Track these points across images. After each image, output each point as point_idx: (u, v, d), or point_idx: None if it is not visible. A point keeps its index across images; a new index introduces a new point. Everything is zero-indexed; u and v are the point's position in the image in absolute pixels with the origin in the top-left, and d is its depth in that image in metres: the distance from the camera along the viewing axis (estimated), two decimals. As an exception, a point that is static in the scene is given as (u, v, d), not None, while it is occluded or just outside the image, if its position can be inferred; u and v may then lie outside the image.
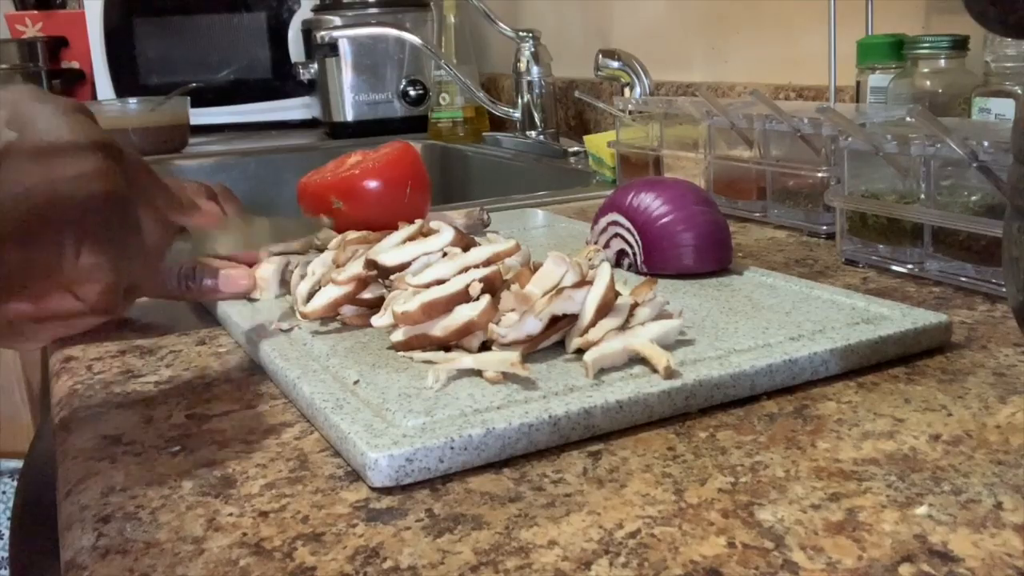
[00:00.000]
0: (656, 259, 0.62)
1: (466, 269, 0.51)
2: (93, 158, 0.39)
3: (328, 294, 0.54)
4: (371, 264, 0.54)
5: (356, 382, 0.45)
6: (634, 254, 0.63)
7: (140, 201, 0.42)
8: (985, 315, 0.56)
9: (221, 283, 0.60)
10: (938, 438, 0.40)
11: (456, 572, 0.31)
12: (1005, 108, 0.70)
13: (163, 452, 0.42)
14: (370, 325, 0.51)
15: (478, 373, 0.45)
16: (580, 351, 0.47)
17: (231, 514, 0.36)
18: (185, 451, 0.42)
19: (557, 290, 0.48)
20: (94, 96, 1.90)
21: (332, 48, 1.71)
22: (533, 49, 1.45)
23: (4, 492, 1.95)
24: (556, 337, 0.48)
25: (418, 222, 0.60)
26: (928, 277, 0.63)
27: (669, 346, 0.47)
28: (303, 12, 1.89)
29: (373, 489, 0.37)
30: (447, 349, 0.48)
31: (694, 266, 0.61)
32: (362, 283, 0.54)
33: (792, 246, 0.76)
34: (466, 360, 0.45)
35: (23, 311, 0.40)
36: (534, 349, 0.47)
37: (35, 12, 2.06)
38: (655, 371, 0.44)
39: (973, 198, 0.61)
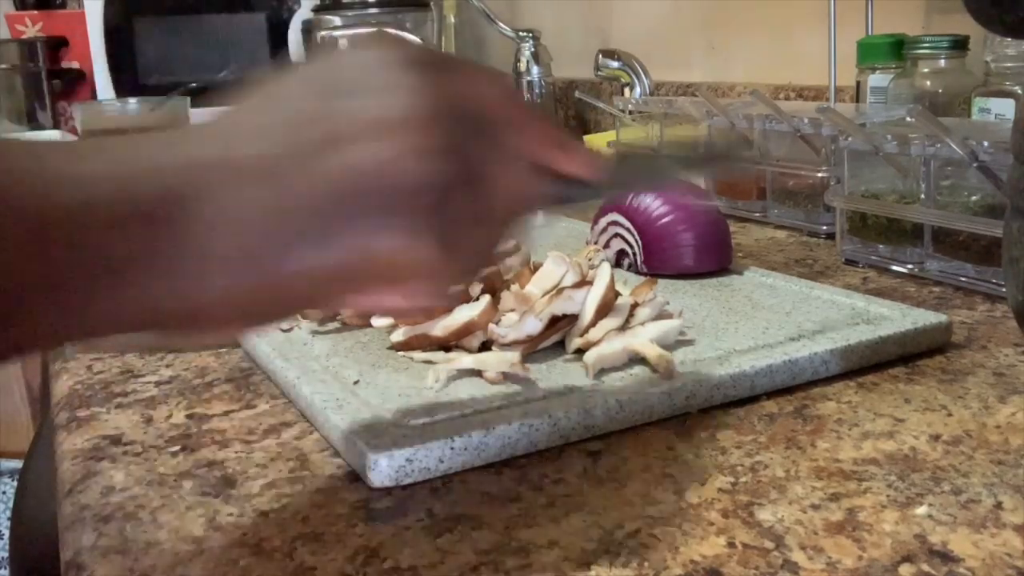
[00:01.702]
0: (656, 259, 0.62)
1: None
2: (415, 135, 0.29)
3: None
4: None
5: (356, 382, 0.45)
6: (634, 254, 0.63)
7: (494, 155, 0.31)
8: (985, 315, 0.56)
9: None
10: (938, 438, 0.40)
11: (456, 572, 0.31)
12: (1005, 108, 0.70)
13: (163, 452, 0.42)
14: (370, 325, 0.51)
15: (478, 373, 0.45)
16: (580, 351, 0.47)
17: (231, 514, 0.36)
18: (185, 451, 0.42)
19: (557, 290, 0.48)
20: (94, 96, 1.90)
21: (332, 48, 1.71)
22: (533, 49, 1.45)
23: (4, 492, 1.95)
24: (556, 337, 0.48)
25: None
26: (928, 277, 0.63)
27: (669, 346, 0.47)
28: (303, 12, 1.88)
29: (373, 489, 0.37)
30: (447, 349, 0.48)
31: (694, 266, 0.61)
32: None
33: (792, 246, 0.76)
34: (466, 360, 0.45)
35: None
36: (534, 349, 0.47)
37: (35, 12, 2.06)
38: (655, 371, 0.44)
39: (973, 198, 0.61)
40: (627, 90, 1.25)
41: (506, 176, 0.32)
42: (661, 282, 0.60)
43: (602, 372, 0.44)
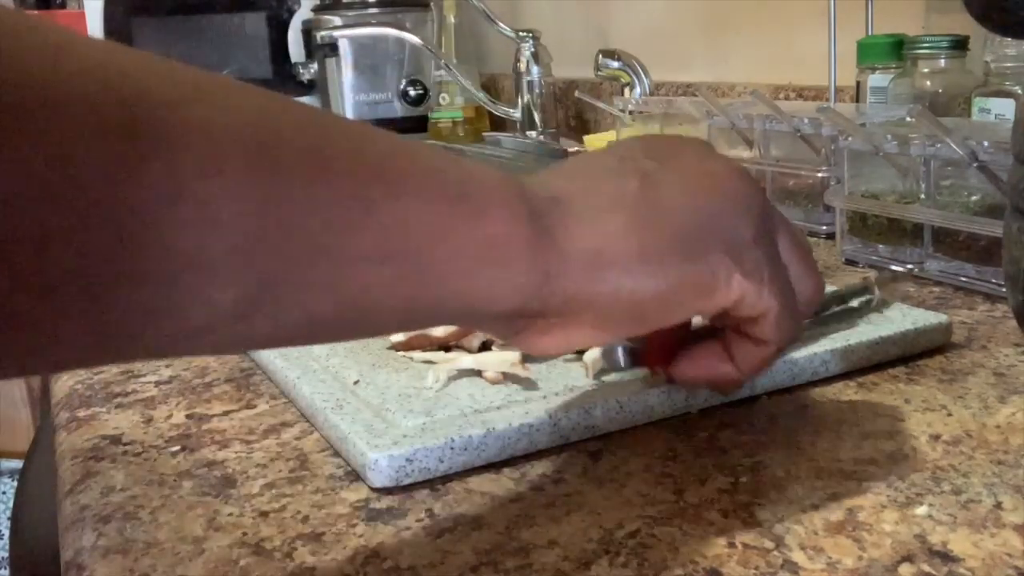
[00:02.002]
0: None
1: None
2: (748, 177, 0.36)
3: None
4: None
5: (356, 382, 0.45)
6: (634, 254, 0.63)
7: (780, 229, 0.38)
8: (985, 315, 0.56)
9: None
10: (938, 438, 0.40)
11: (456, 572, 0.31)
12: (1005, 108, 0.70)
13: (163, 452, 0.42)
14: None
15: (478, 373, 0.45)
16: (580, 351, 0.47)
17: (231, 514, 0.36)
18: (185, 451, 0.42)
19: None
20: (94, 96, 1.90)
21: (332, 48, 1.71)
22: (533, 49, 1.45)
23: (4, 492, 1.95)
24: None
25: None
26: (928, 277, 0.63)
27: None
28: (303, 12, 1.89)
29: (373, 489, 0.37)
30: (447, 349, 0.48)
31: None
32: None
33: (792, 246, 0.76)
34: (466, 360, 0.45)
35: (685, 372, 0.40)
36: None
37: (35, 12, 2.06)
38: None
39: (973, 198, 0.61)
40: (627, 90, 1.25)
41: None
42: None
43: (602, 372, 0.44)
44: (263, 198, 0.25)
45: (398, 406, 0.41)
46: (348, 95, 1.73)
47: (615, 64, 1.26)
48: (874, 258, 0.67)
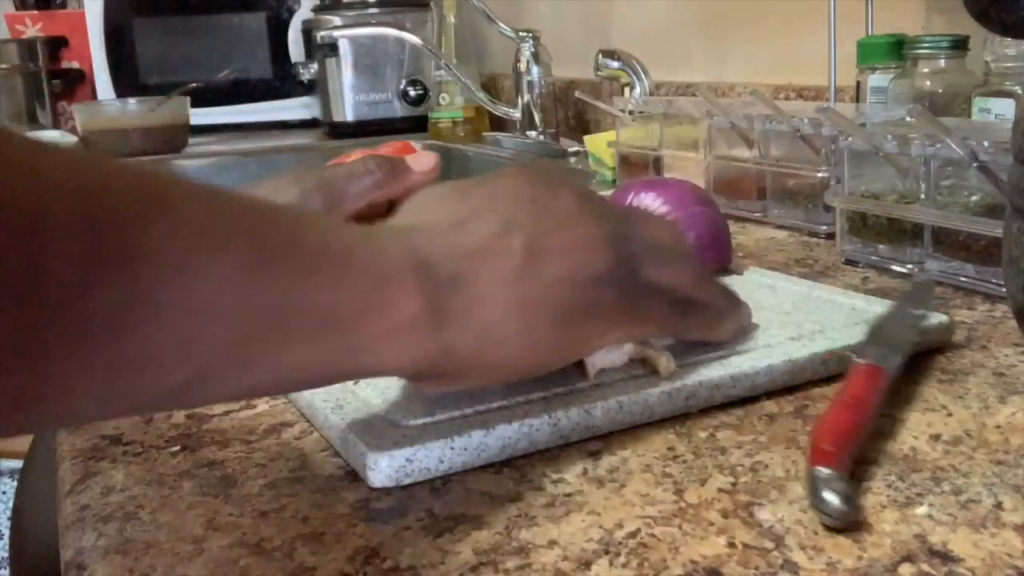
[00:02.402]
0: (656, 259, 0.62)
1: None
2: (611, 220, 0.42)
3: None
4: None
5: (356, 382, 0.45)
6: (634, 254, 0.63)
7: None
8: (985, 315, 0.56)
9: (411, 163, 0.50)
10: (938, 438, 0.40)
11: (456, 572, 0.31)
12: (1005, 108, 0.70)
13: (163, 452, 0.42)
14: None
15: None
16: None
17: (231, 514, 0.36)
18: (185, 451, 0.42)
19: None
20: (94, 96, 1.90)
21: (332, 48, 1.71)
22: (533, 49, 1.45)
23: (4, 492, 1.95)
24: None
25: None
26: (920, 273, 0.63)
27: (671, 346, 0.47)
28: (303, 12, 1.88)
29: (373, 489, 0.37)
30: None
31: (694, 266, 0.61)
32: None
33: (792, 246, 0.76)
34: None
35: None
36: None
37: (35, 12, 2.06)
38: (655, 372, 0.44)
39: (973, 198, 0.61)
40: (627, 90, 1.25)
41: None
42: (661, 282, 0.61)
43: (602, 372, 0.44)
44: (209, 301, 0.29)
45: (398, 406, 0.41)
46: (348, 95, 1.73)
47: (615, 64, 1.26)
48: (874, 258, 0.68)
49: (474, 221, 0.39)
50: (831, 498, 0.33)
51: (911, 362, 0.48)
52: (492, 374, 0.39)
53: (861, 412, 0.38)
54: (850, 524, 0.33)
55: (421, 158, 0.50)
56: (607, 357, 0.45)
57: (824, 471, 0.34)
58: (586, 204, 0.41)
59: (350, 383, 0.45)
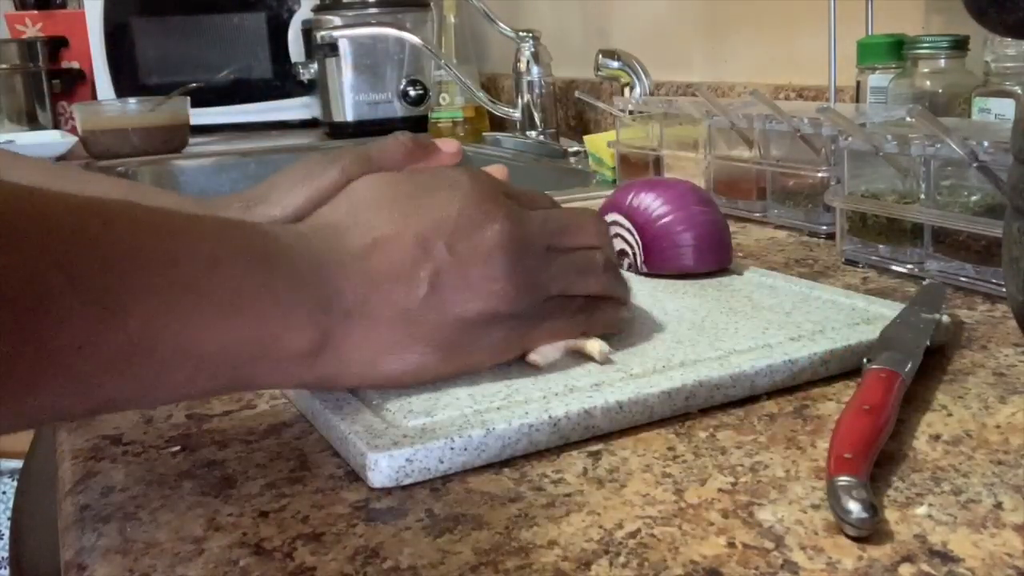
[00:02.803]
0: (656, 259, 0.62)
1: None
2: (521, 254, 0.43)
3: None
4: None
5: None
6: (634, 254, 0.63)
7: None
8: (985, 315, 0.56)
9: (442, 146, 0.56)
10: (938, 438, 0.40)
11: (456, 572, 0.31)
12: (1005, 108, 0.70)
13: (163, 452, 0.42)
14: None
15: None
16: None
17: (231, 514, 0.36)
18: (185, 451, 0.42)
19: None
20: (94, 96, 1.90)
21: (332, 48, 1.71)
22: (533, 49, 1.45)
23: (4, 492, 1.95)
24: None
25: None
26: (928, 277, 0.63)
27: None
28: (303, 12, 1.89)
29: (373, 489, 0.37)
30: None
31: (694, 266, 0.61)
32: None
33: (792, 246, 0.76)
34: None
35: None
36: None
37: (35, 12, 2.06)
38: (592, 359, 0.45)
39: (973, 198, 0.61)
40: (627, 90, 1.25)
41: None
42: (661, 282, 0.61)
43: (602, 373, 0.44)
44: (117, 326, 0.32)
45: (398, 406, 0.41)
46: (348, 95, 1.73)
47: (615, 64, 1.26)
48: (874, 258, 0.68)
49: (391, 244, 0.41)
50: (854, 507, 0.32)
51: (911, 362, 0.48)
52: (368, 387, 0.43)
53: (878, 418, 0.38)
54: (873, 533, 0.32)
55: (446, 143, 0.56)
56: (543, 351, 0.45)
57: (845, 480, 0.34)
58: (514, 232, 0.42)
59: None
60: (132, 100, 1.69)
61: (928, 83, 0.79)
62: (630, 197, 0.63)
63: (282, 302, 0.37)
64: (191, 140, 1.71)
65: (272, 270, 0.37)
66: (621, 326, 0.49)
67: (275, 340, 0.37)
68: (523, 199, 0.46)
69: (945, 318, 0.50)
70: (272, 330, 0.37)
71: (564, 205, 0.49)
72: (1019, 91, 0.70)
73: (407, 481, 0.37)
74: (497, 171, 0.54)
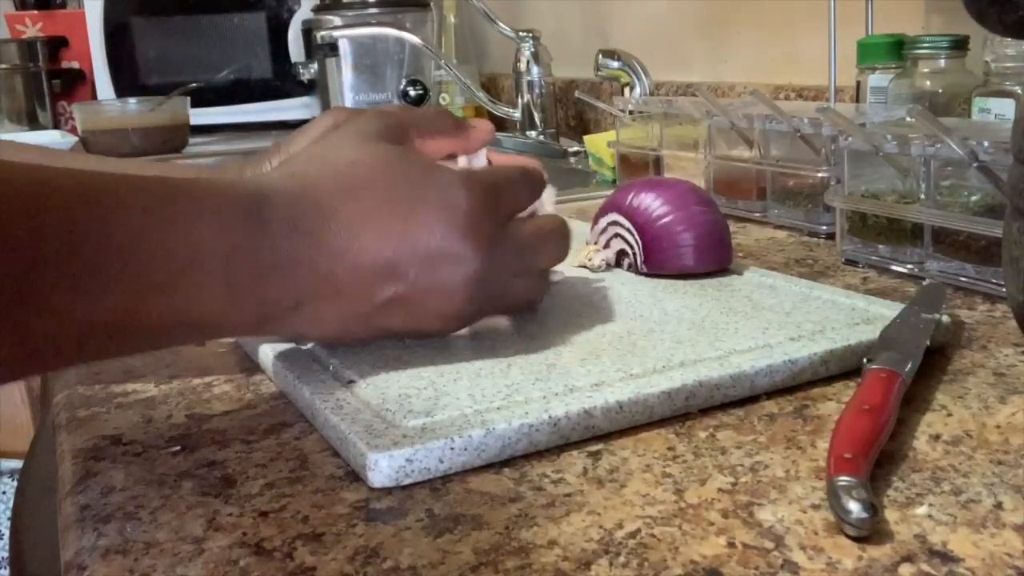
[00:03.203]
0: (656, 259, 0.62)
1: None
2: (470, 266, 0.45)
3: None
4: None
5: (355, 382, 0.45)
6: (634, 254, 0.63)
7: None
8: (985, 315, 0.56)
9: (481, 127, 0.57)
10: (938, 438, 0.40)
11: (456, 572, 0.31)
12: (1005, 108, 0.70)
13: (163, 452, 0.42)
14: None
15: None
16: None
17: (231, 514, 0.36)
18: (185, 451, 0.42)
19: None
20: (94, 96, 1.90)
21: (332, 48, 1.71)
22: (533, 49, 1.45)
23: (4, 492, 1.95)
24: None
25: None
26: (928, 277, 0.63)
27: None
28: (303, 12, 1.89)
29: (373, 489, 0.37)
30: None
31: (694, 266, 0.61)
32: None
33: (792, 246, 0.76)
34: None
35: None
36: None
37: (35, 12, 2.06)
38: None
39: (973, 198, 0.61)
40: (627, 90, 1.25)
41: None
42: (661, 282, 0.61)
43: (602, 373, 0.44)
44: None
45: (398, 406, 0.41)
46: (348, 95, 1.73)
47: (615, 64, 1.26)
48: (874, 258, 0.68)
49: (365, 256, 0.42)
50: (855, 507, 0.32)
51: (911, 362, 0.48)
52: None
53: (878, 418, 0.38)
54: (873, 533, 0.32)
55: (481, 123, 0.58)
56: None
57: (845, 480, 0.33)
58: (481, 273, 0.44)
59: (350, 383, 0.45)
60: (132, 100, 1.69)
61: (928, 83, 0.79)
62: (630, 197, 0.63)
63: (238, 299, 0.40)
64: (191, 140, 1.72)
65: (246, 256, 0.40)
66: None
67: (224, 316, 0.40)
68: (508, 200, 0.47)
69: (945, 318, 0.50)
70: (220, 311, 0.40)
71: (564, 205, 0.50)
72: (1019, 91, 0.70)
73: (407, 481, 0.37)
74: (486, 124, 0.56)
